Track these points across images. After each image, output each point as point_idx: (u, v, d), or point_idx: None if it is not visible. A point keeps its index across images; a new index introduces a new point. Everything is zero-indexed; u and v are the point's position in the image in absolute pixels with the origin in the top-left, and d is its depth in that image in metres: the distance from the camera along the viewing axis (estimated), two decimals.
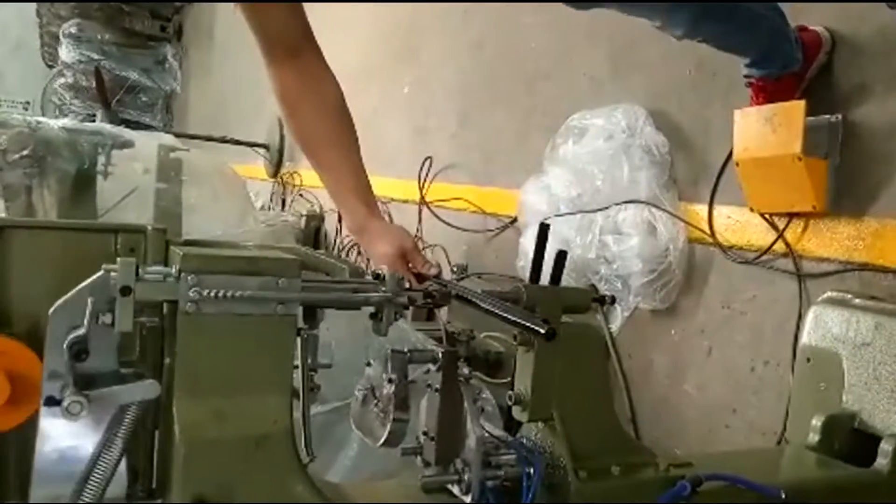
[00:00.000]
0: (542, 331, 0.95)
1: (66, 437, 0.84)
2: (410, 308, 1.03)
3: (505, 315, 0.99)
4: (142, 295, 0.82)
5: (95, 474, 0.83)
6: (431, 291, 1.06)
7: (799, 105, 1.72)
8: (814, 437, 1.46)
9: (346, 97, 1.36)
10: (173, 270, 0.85)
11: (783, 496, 1.17)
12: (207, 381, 0.89)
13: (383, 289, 0.97)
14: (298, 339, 0.94)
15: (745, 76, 1.84)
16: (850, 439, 1.47)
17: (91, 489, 0.83)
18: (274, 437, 0.90)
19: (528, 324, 0.97)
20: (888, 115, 1.70)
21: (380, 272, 1.00)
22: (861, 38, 1.76)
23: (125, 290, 0.81)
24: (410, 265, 1.25)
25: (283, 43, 1.28)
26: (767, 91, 1.80)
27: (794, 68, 1.76)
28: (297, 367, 0.94)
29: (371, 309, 0.98)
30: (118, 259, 0.82)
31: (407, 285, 1.08)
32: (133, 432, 0.85)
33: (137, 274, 0.82)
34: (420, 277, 1.23)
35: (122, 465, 0.87)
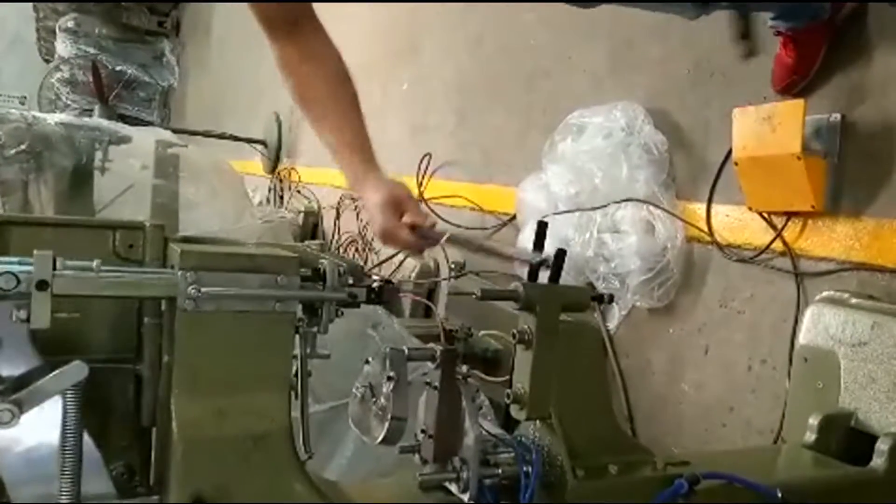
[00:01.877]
0: (535, 261, 0.95)
1: (23, 440, 0.83)
2: (407, 303, 1.01)
3: (500, 251, 0.98)
4: (60, 289, 0.79)
5: (65, 467, 0.82)
6: (376, 287, 1.01)
7: (798, 104, 1.72)
8: (810, 436, 1.47)
9: None
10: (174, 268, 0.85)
11: (780, 495, 1.18)
12: (206, 379, 0.88)
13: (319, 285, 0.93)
14: (297, 337, 0.94)
15: (772, 26, 1.79)
16: (846, 438, 1.47)
17: (66, 481, 0.82)
18: (272, 435, 0.90)
19: (521, 257, 0.96)
20: (887, 115, 1.70)
21: (320, 266, 0.95)
22: None
23: (41, 285, 0.77)
24: (404, 217, 1.24)
25: (282, 19, 1.30)
26: (796, 41, 1.77)
27: (822, 18, 1.72)
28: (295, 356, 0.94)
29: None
30: (35, 252, 0.78)
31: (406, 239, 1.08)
32: (81, 414, 0.82)
33: (55, 267, 0.79)
34: (414, 229, 1.21)
35: (101, 459, 0.87)
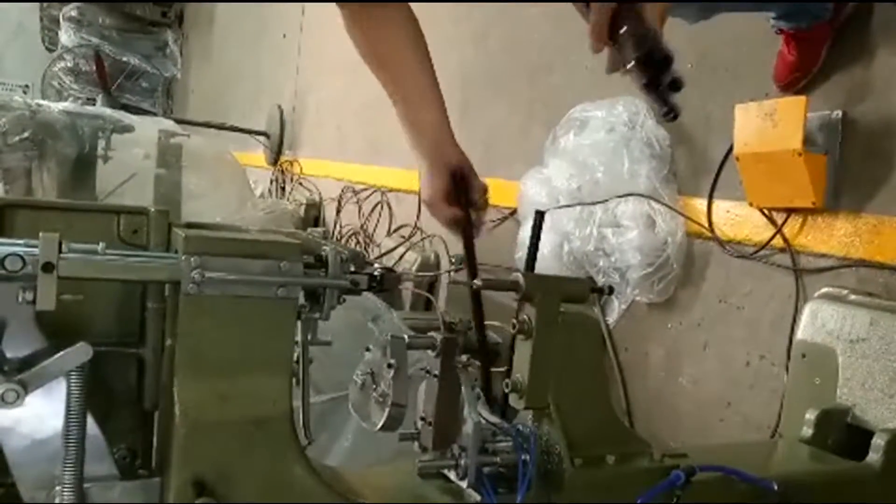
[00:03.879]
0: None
1: (26, 422, 0.84)
2: (407, 297, 1.02)
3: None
4: (66, 272, 0.79)
5: (69, 448, 0.83)
6: (377, 275, 1.00)
7: (800, 101, 1.73)
8: (807, 431, 1.48)
9: (347, 87, 1.36)
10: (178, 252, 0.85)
11: (776, 488, 1.18)
12: (208, 363, 0.89)
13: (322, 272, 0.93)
14: (299, 322, 0.95)
15: (773, 26, 1.80)
16: (843, 434, 1.48)
17: (69, 462, 0.83)
18: (274, 419, 0.91)
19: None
20: (888, 112, 1.71)
21: (322, 253, 0.95)
22: None
23: (47, 267, 0.78)
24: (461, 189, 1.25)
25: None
26: (798, 40, 1.78)
27: (824, 19, 1.73)
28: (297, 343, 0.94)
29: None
30: (41, 234, 0.79)
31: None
32: (86, 395, 0.83)
33: (60, 249, 0.79)
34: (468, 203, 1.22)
35: (103, 442, 0.88)
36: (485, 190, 1.27)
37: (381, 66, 1.33)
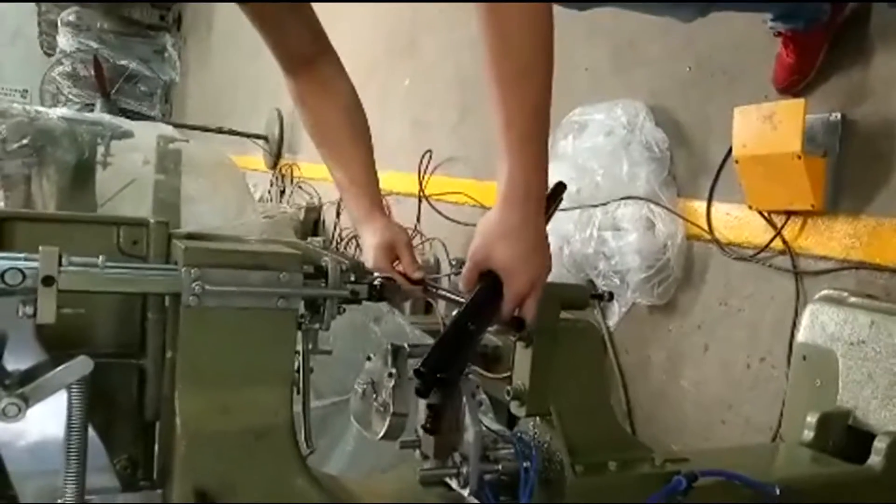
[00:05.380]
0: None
1: (28, 433, 0.84)
2: (406, 301, 1.02)
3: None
4: (66, 285, 0.79)
5: (70, 461, 0.83)
6: (377, 284, 1.02)
7: (799, 103, 1.73)
8: (808, 434, 1.47)
9: None
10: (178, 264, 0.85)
11: (778, 492, 1.18)
12: (209, 374, 0.89)
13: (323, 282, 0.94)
14: (299, 333, 0.95)
15: (771, 27, 1.80)
16: (844, 437, 1.48)
17: (70, 474, 0.83)
18: (275, 430, 0.91)
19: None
20: (887, 114, 1.71)
21: (322, 264, 0.95)
22: None
23: (47, 280, 0.78)
24: (397, 263, 1.21)
25: (298, 56, 1.31)
26: (796, 42, 1.78)
27: (821, 20, 1.73)
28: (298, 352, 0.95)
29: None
30: (40, 248, 0.79)
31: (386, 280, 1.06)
32: (87, 407, 0.83)
33: (60, 263, 0.79)
34: (404, 277, 1.19)
35: (105, 453, 0.88)
36: (417, 268, 1.24)
37: (319, 140, 1.35)
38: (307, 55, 1.31)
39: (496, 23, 1.02)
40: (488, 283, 0.97)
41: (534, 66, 1.04)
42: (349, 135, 1.33)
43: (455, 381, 0.95)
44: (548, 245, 1.00)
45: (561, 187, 1.10)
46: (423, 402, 1.05)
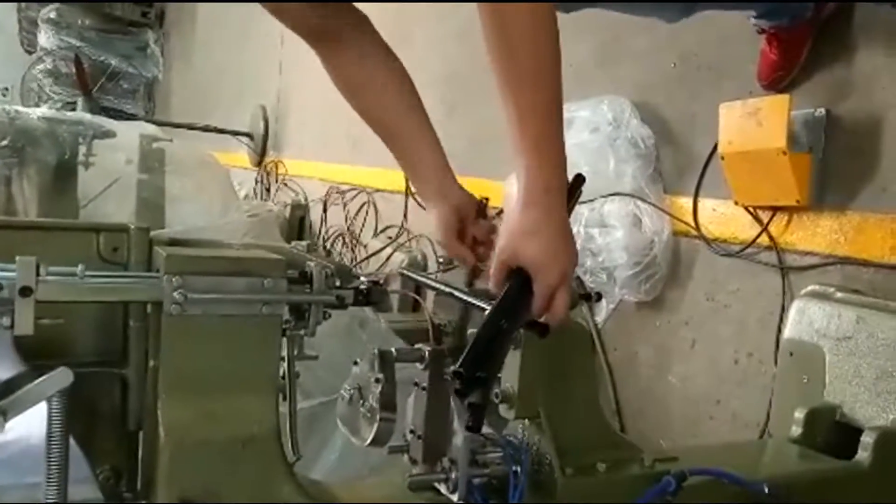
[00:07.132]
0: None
1: (8, 446, 0.82)
2: (395, 300, 1.01)
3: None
4: (44, 295, 0.78)
5: (51, 473, 0.81)
6: (364, 289, 1.00)
7: (784, 99, 1.73)
8: (796, 430, 1.48)
9: (332, 86, 1.34)
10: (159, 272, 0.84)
11: (766, 490, 1.19)
12: (193, 383, 0.88)
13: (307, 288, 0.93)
14: (284, 339, 0.94)
15: (754, 24, 1.80)
16: (831, 432, 1.48)
17: (52, 486, 0.81)
18: (260, 438, 0.90)
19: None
20: (871, 110, 1.71)
21: (307, 269, 0.94)
22: None
23: (25, 291, 0.76)
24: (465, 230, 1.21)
25: (320, 35, 1.26)
26: (780, 39, 1.78)
27: (805, 17, 1.73)
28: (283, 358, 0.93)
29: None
30: (17, 258, 0.77)
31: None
32: (67, 418, 0.81)
33: (38, 273, 0.78)
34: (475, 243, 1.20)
35: (87, 464, 0.86)
36: (491, 230, 1.24)
37: (363, 110, 1.29)
38: (327, 33, 1.24)
39: (500, 25, 0.98)
40: (517, 280, 0.97)
41: (542, 66, 0.99)
42: (406, 103, 1.26)
43: (493, 380, 0.94)
44: (573, 237, 1.00)
45: (580, 179, 1.09)
46: (410, 408, 1.04)
